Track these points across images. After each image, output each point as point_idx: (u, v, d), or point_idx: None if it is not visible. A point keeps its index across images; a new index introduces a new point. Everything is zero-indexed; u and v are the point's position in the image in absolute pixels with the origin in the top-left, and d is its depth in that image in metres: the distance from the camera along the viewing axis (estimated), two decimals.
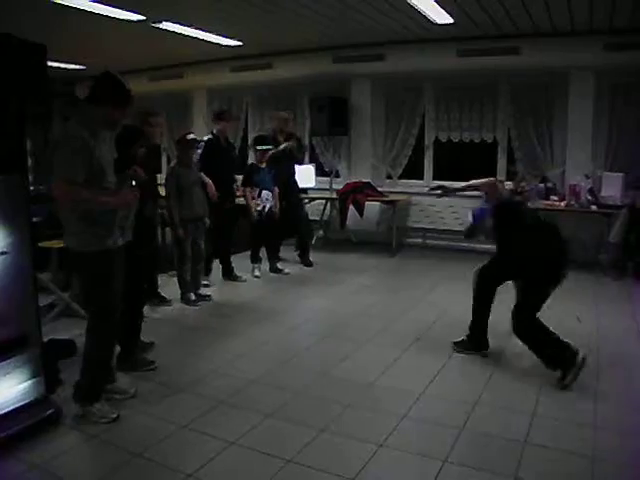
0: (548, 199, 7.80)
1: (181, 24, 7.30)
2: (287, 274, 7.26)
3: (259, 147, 7.02)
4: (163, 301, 5.76)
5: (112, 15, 6.63)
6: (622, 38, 7.23)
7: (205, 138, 6.55)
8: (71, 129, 3.22)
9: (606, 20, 6.83)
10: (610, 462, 2.95)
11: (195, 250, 5.86)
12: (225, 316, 5.56)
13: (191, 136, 5.89)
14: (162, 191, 5.75)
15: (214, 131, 6.69)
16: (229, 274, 6.92)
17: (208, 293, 6.12)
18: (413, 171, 9.26)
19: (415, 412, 3.53)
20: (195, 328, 5.18)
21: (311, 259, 7.85)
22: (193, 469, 2.86)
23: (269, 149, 7.06)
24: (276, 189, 7.08)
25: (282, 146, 7.46)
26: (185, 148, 5.75)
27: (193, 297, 5.88)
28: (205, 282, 6.46)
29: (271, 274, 7.21)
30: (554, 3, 6.23)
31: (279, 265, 7.37)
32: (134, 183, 3.58)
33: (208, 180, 6.11)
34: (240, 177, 7.07)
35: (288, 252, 7.87)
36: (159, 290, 5.82)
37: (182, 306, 5.79)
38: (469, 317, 4.42)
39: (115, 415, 3.35)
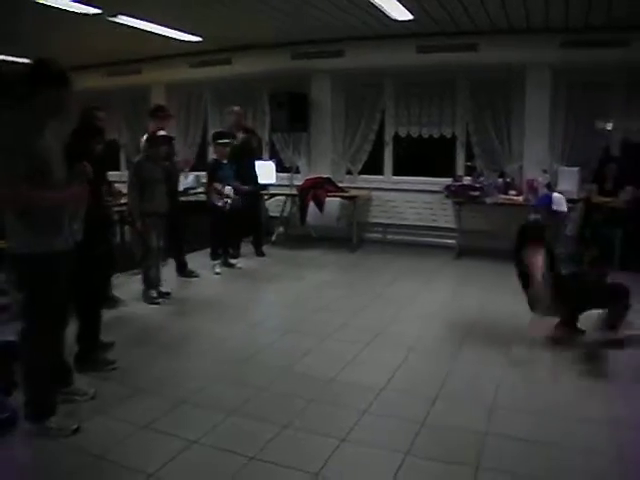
0: (506, 194, 7.94)
1: (139, 18, 7.20)
2: (240, 269, 7.28)
3: (220, 141, 7.03)
4: (115, 304, 5.56)
5: (68, 8, 6.50)
6: (578, 36, 7.40)
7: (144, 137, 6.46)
8: (7, 122, 3.03)
9: (562, 18, 6.98)
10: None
11: (158, 246, 5.80)
12: (186, 314, 5.53)
13: (162, 133, 5.86)
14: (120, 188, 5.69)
15: (152, 128, 6.60)
16: (183, 270, 6.88)
17: (168, 290, 6.06)
18: (373, 166, 9.31)
19: (376, 407, 3.56)
20: (155, 327, 5.13)
21: (271, 255, 7.96)
22: (154, 469, 2.83)
23: (229, 143, 7.09)
24: (237, 184, 7.11)
25: (239, 138, 7.54)
26: (155, 144, 5.72)
27: (154, 294, 5.82)
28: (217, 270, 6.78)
29: (224, 268, 7.20)
30: (510, 1, 6.34)
31: (231, 260, 7.39)
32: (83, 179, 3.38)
33: None
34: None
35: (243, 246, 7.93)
36: (113, 292, 5.66)
37: (143, 304, 5.72)
38: (427, 311, 4.46)
39: (75, 427, 3.19)
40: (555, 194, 4.61)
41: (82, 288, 3.95)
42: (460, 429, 3.27)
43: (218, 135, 7.23)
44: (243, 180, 7.41)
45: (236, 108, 8.08)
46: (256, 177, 8.05)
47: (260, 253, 8.10)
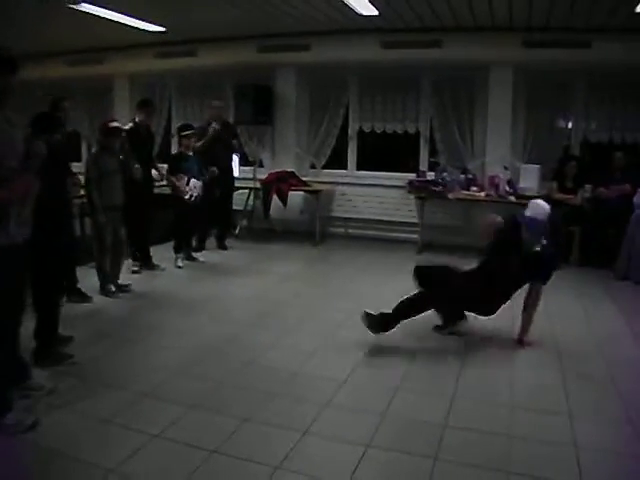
0: (469, 190, 8.07)
1: (101, 7, 7.04)
2: (202, 262, 7.27)
3: (184, 134, 6.99)
4: (83, 298, 5.51)
5: None
6: (540, 35, 7.54)
7: (126, 127, 6.42)
8: None
9: (525, 17, 7.09)
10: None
11: (115, 239, 5.74)
12: (147, 308, 5.47)
13: (114, 124, 5.78)
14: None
15: (136, 119, 6.65)
16: (147, 263, 6.82)
17: (128, 283, 6.00)
18: (337, 161, 9.35)
19: (338, 399, 3.59)
20: (115, 321, 5.07)
21: (234, 248, 8.00)
22: (115, 464, 2.80)
23: (192, 134, 7.05)
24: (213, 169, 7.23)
25: (210, 130, 7.65)
26: (108, 135, 5.64)
27: (113, 289, 5.75)
28: (135, 268, 6.60)
29: (186, 262, 7.16)
30: None
31: (194, 254, 7.36)
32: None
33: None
34: (162, 165, 7.03)
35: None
36: (79, 286, 5.59)
37: (102, 298, 5.65)
38: (387, 304, 4.47)
39: (31, 421, 3.13)
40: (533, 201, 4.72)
41: (40, 280, 3.89)
42: (421, 421, 3.32)
43: (182, 127, 7.19)
44: (219, 173, 7.45)
45: (216, 102, 8.12)
46: (232, 170, 8.12)
47: (223, 246, 8.09)
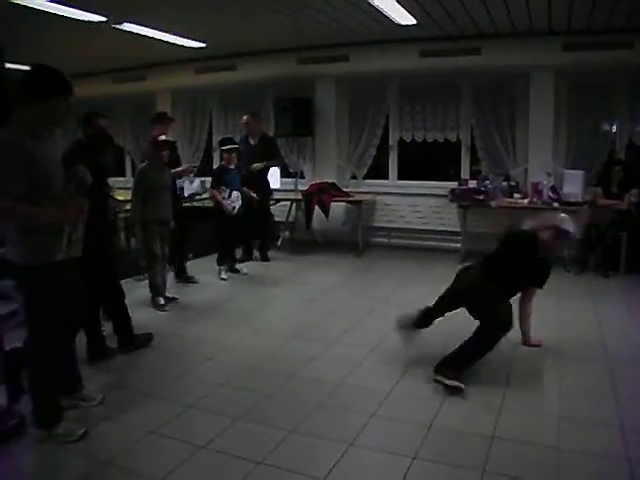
0: (511, 197, 7.95)
1: (143, 25, 7.23)
2: (245, 274, 7.30)
3: (225, 148, 7.07)
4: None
5: (72, 16, 6.53)
6: (579, 38, 7.41)
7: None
8: (6, 134, 2.89)
9: (564, 21, 6.98)
10: None
11: (163, 253, 5.81)
12: (192, 320, 5.52)
13: (162, 137, 5.86)
14: (122, 195, 5.68)
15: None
16: (181, 275, 6.92)
17: (175, 296, 6.07)
18: (378, 171, 9.33)
19: (384, 410, 3.56)
20: (164, 333, 5.11)
21: (276, 260, 8.03)
22: (163, 474, 2.83)
23: (234, 149, 7.11)
24: (245, 189, 7.26)
25: (256, 167, 7.80)
26: (156, 149, 5.71)
27: (162, 301, 5.83)
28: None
29: (230, 274, 7.21)
30: (514, 4, 6.35)
31: (237, 266, 7.40)
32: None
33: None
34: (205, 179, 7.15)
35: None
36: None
37: (151, 310, 5.73)
38: None
39: (82, 431, 3.19)
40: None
41: (94, 291, 4.01)
42: (468, 433, 3.27)
43: (224, 141, 7.28)
44: (254, 185, 7.51)
45: (245, 117, 8.13)
46: (268, 183, 8.17)
47: (265, 258, 8.13)
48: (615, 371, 4.12)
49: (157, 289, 5.83)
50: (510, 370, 4.17)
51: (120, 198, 6.78)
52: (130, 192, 5.66)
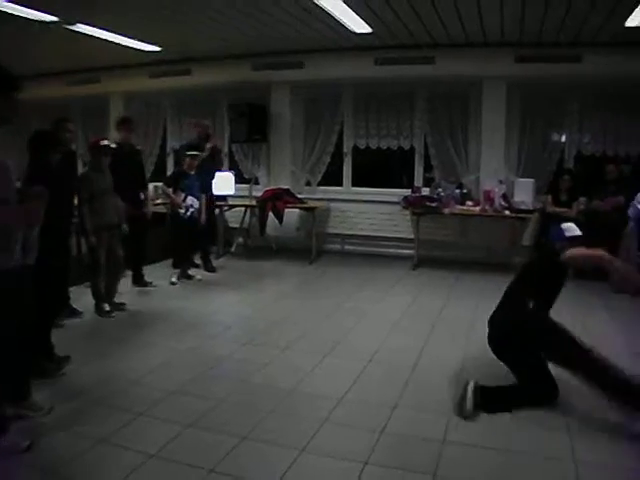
0: (464, 204, 8.09)
1: (97, 27, 7.12)
2: (199, 280, 7.25)
3: (189, 153, 7.12)
4: (74, 313, 5.54)
5: (24, 15, 6.39)
6: (531, 51, 7.63)
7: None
8: None
9: (516, 33, 7.17)
10: None
11: (112, 259, 5.73)
12: (142, 326, 5.46)
13: (104, 142, 5.77)
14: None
15: (117, 139, 6.60)
16: (139, 281, 6.83)
17: (123, 301, 5.99)
18: (332, 178, 9.38)
19: (335, 416, 3.58)
20: (111, 340, 5.05)
21: (230, 265, 8.08)
22: None
23: (198, 155, 7.16)
24: (203, 197, 7.24)
25: (207, 149, 7.72)
26: (97, 154, 5.63)
27: (107, 308, 5.73)
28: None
29: (184, 280, 7.17)
30: (467, 15, 6.48)
31: (190, 272, 7.33)
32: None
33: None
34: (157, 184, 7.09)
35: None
36: (71, 303, 5.58)
37: (97, 317, 5.65)
38: (385, 322, 4.48)
39: (27, 443, 3.08)
40: (564, 224, 4.45)
41: (41, 299, 3.90)
42: (419, 438, 3.31)
43: (188, 147, 7.37)
44: (203, 190, 7.45)
45: (205, 121, 8.17)
46: (212, 188, 8.08)
47: (211, 269, 7.85)
48: None
49: (100, 296, 5.73)
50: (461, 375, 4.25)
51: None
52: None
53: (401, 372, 4.31)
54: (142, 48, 8.32)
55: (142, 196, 6.74)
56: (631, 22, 6.20)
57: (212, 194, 8.04)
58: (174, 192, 6.92)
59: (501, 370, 3.83)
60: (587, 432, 3.35)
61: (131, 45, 8.10)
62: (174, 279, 7.02)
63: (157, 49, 8.45)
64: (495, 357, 3.88)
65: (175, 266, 7.07)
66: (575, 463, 3.00)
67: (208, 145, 7.81)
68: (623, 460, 3.06)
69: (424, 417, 3.60)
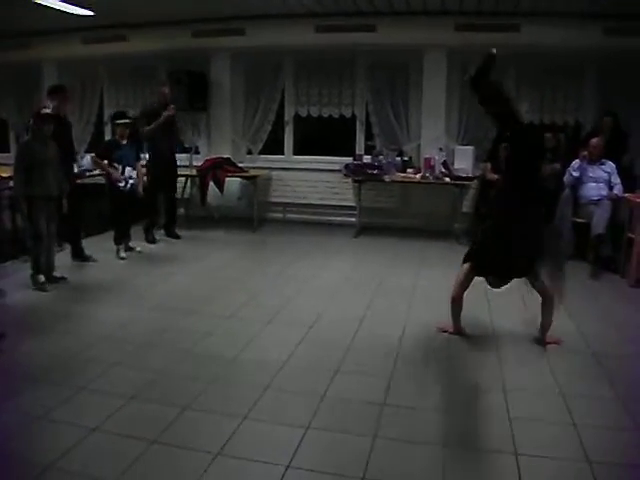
0: (405, 172, 8.20)
1: None
2: (140, 252, 7.16)
3: (119, 121, 6.89)
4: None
5: None
6: (470, 19, 7.72)
7: None
8: None
9: (457, 1, 7.24)
10: None
11: (48, 231, 5.58)
12: (83, 300, 5.35)
13: (46, 110, 5.60)
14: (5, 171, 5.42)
15: (49, 108, 6.35)
16: (79, 255, 6.68)
17: (64, 275, 5.86)
18: (274, 146, 9.34)
19: (277, 383, 3.63)
20: (50, 314, 4.93)
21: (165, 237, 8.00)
22: (53, 459, 2.76)
23: (128, 124, 6.92)
24: (139, 164, 7.04)
25: (164, 115, 7.56)
26: (40, 123, 5.46)
27: (42, 279, 5.57)
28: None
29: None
30: None
31: (131, 243, 7.19)
32: None
33: None
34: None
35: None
36: None
37: (36, 293, 5.47)
38: (327, 288, 4.52)
39: None
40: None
41: None
42: (359, 401, 3.39)
43: (118, 116, 7.06)
44: (163, 161, 7.43)
45: (165, 88, 7.96)
46: (175, 158, 8.02)
47: (176, 235, 8.03)
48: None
49: (39, 267, 5.57)
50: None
51: (4, 175, 6.46)
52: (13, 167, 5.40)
53: (343, 338, 4.38)
54: (74, 12, 7.96)
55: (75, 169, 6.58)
56: None
57: (175, 164, 8.03)
58: (109, 165, 6.73)
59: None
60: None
61: (62, 8, 7.74)
62: (122, 254, 6.85)
63: (90, 13, 8.12)
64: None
65: (117, 240, 6.89)
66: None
67: (165, 113, 7.61)
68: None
69: (365, 380, 3.68)
